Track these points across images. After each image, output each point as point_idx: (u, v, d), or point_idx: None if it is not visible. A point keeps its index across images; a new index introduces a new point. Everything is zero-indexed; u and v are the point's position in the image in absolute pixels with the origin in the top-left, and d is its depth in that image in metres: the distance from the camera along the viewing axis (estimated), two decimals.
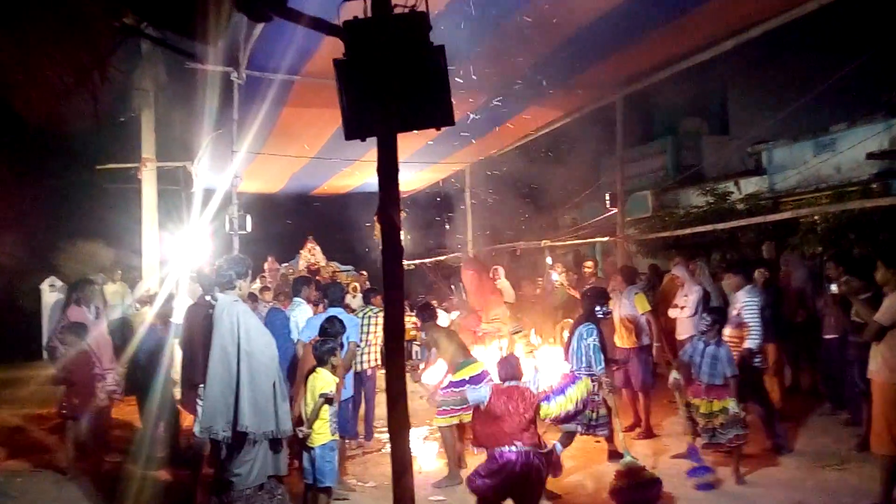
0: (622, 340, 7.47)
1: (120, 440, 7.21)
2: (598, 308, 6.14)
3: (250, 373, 4.07)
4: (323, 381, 4.84)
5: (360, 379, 7.04)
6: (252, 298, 7.78)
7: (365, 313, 7.44)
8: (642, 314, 7.45)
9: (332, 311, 6.18)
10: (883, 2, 9.90)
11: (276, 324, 6.34)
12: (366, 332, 7.16)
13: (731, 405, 5.77)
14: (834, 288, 5.63)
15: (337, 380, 5.00)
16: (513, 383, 4.75)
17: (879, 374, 5.00)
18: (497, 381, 5.04)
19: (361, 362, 7.11)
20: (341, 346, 5.34)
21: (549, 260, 12.98)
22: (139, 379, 6.44)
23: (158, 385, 6.11)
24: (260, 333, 4.21)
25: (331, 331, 5.36)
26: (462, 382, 6.07)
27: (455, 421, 6.15)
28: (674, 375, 6.30)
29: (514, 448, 4.45)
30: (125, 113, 12.05)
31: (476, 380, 6.04)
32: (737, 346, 6.33)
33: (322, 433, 4.81)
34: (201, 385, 4.34)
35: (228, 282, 4.29)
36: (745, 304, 6.55)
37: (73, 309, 6.80)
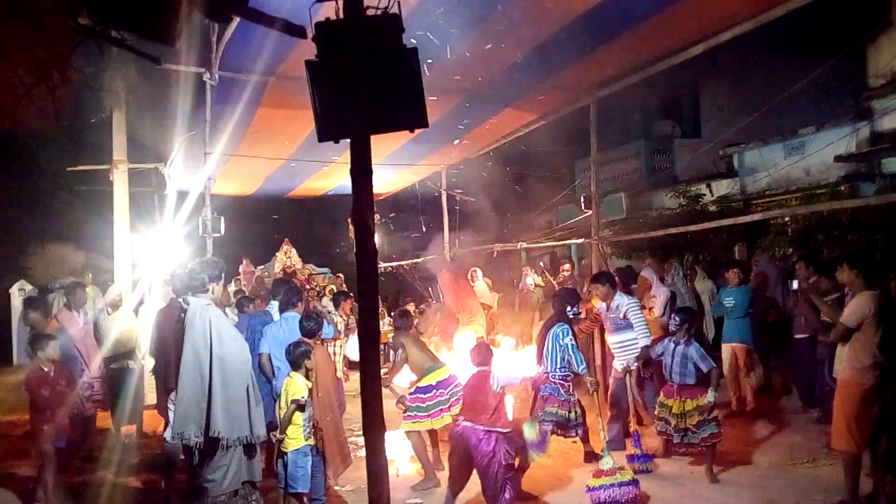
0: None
1: (95, 448, 7.11)
2: (569, 308, 6.16)
3: (223, 377, 4.02)
4: (295, 386, 4.80)
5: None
6: (245, 302, 7.67)
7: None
8: None
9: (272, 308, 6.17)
10: (849, 7, 10.10)
11: (258, 326, 6.25)
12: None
13: (708, 397, 5.85)
14: (796, 284, 5.75)
15: (310, 385, 4.96)
16: (482, 368, 5.23)
17: (843, 372, 5.09)
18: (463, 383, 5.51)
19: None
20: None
21: (524, 264, 13.03)
22: (111, 384, 6.35)
23: (130, 391, 6.03)
24: (232, 338, 4.16)
25: (312, 328, 5.34)
26: (429, 388, 6.10)
27: (422, 427, 6.12)
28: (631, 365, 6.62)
29: (465, 423, 5.02)
30: (96, 114, 11.86)
31: (443, 384, 6.08)
32: None
33: (295, 438, 4.78)
34: (174, 390, 4.28)
35: (201, 285, 4.24)
36: (628, 307, 6.69)
37: (64, 312, 6.67)
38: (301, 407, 4.77)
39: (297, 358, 4.94)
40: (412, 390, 6.25)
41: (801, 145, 11.83)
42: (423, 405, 6.06)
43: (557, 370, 5.95)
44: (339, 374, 6.99)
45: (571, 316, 6.17)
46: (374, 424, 3.20)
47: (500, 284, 12.21)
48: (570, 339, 5.94)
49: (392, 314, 13.16)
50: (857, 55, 10.79)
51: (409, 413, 6.13)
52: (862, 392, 4.96)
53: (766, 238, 10.39)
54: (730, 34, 6.54)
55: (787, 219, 10.16)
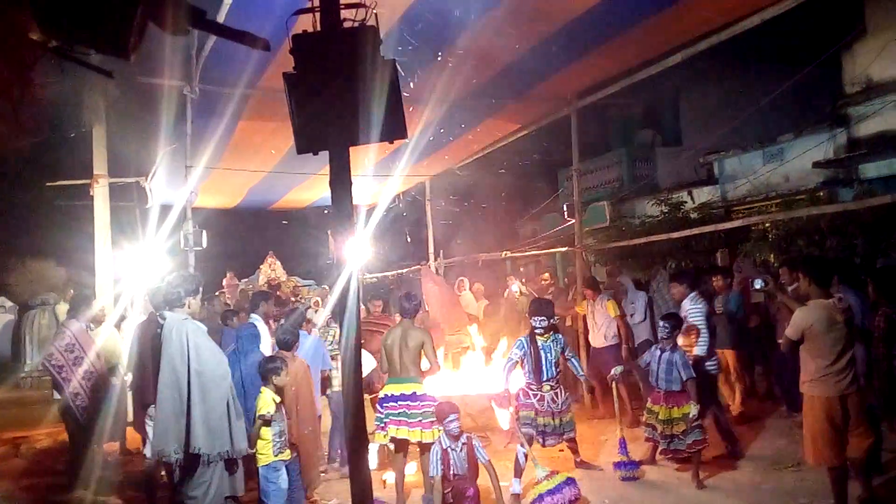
0: (595, 340, 8.24)
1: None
2: (534, 319, 6.06)
3: (202, 392, 3.98)
4: (263, 401, 4.75)
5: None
6: (229, 315, 7.57)
7: (329, 330, 7.23)
8: (613, 318, 8.08)
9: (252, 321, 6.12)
10: (824, 15, 10.26)
11: (245, 338, 6.20)
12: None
13: (692, 410, 5.87)
14: (758, 284, 5.62)
15: (278, 399, 4.89)
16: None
17: (801, 385, 4.93)
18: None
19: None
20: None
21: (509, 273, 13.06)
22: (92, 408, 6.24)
23: (111, 406, 5.95)
24: (211, 352, 4.12)
25: (288, 340, 5.31)
26: (386, 398, 5.76)
27: (381, 441, 5.82)
28: (615, 371, 6.66)
29: None
30: (76, 129, 11.77)
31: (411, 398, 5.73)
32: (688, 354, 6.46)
33: (264, 454, 4.74)
34: (152, 405, 4.24)
35: (177, 299, 4.21)
36: (689, 311, 6.65)
37: (75, 324, 6.55)
38: (267, 422, 4.73)
39: (265, 373, 4.88)
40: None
41: (780, 152, 11.98)
42: (380, 416, 5.80)
43: (552, 377, 6.01)
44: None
45: (536, 326, 6.03)
46: (357, 437, 3.19)
47: (487, 292, 12.20)
48: (569, 349, 6.09)
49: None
50: (833, 63, 10.96)
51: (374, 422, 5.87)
52: (817, 404, 4.76)
53: (748, 244, 10.49)
54: (707, 43, 6.64)
55: (767, 225, 10.27)
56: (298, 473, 5.13)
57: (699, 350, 6.47)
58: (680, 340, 6.36)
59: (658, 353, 6.13)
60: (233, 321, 7.36)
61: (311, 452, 5.34)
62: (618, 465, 6.16)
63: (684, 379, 5.94)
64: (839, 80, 11.07)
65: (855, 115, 10.55)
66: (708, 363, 6.52)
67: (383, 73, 2.99)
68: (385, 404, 5.71)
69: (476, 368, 8.26)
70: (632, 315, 8.57)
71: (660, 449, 6.22)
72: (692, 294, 6.74)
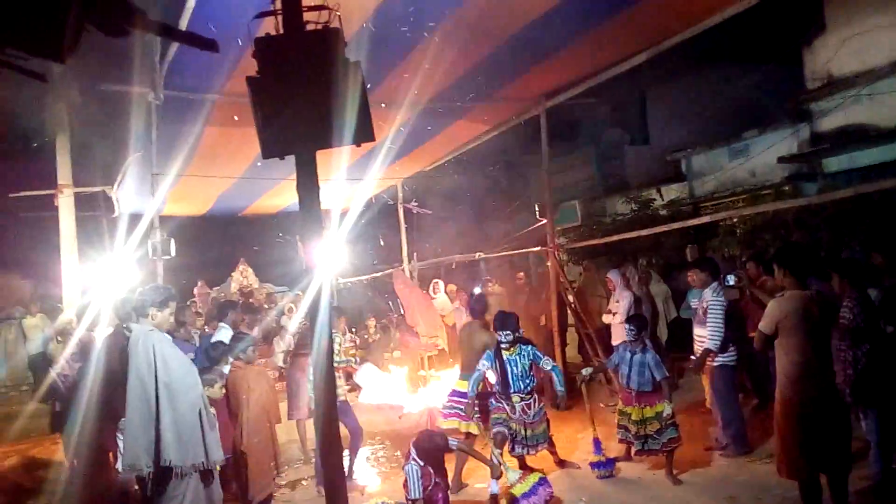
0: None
1: (43, 481, 6.85)
2: (499, 334, 6.08)
3: (171, 404, 3.91)
4: None
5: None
6: (179, 324, 7.45)
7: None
8: None
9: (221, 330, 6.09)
10: (784, 13, 10.45)
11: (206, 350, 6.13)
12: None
13: (665, 408, 5.92)
14: (731, 280, 5.58)
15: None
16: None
17: (777, 387, 4.50)
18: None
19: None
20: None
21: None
22: (63, 415, 6.11)
23: (82, 420, 5.82)
24: (178, 362, 4.05)
25: (214, 355, 5.25)
26: (454, 394, 6.46)
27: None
28: (584, 372, 6.61)
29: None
30: (39, 138, 11.53)
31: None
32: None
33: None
34: (123, 419, 4.16)
35: (142, 310, 4.15)
36: (710, 302, 6.38)
37: (87, 335, 6.46)
38: None
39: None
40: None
41: (746, 148, 12.17)
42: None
43: (523, 389, 6.01)
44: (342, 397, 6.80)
45: (502, 341, 6.04)
46: (330, 447, 3.15)
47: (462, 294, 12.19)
48: (483, 364, 6.04)
49: (353, 330, 13.07)
50: (794, 59, 11.17)
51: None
52: (789, 408, 4.35)
53: (716, 239, 10.64)
54: (670, 42, 6.73)
55: (734, 220, 10.42)
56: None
57: (710, 344, 6.27)
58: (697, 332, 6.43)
59: (628, 355, 6.13)
60: (180, 331, 7.24)
61: (260, 462, 5.29)
62: (594, 464, 6.20)
63: (658, 379, 5.98)
64: (801, 77, 11.27)
65: (817, 110, 10.75)
66: (724, 356, 6.36)
67: (348, 75, 2.96)
68: (452, 398, 6.38)
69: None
70: (615, 314, 8.60)
71: (634, 450, 6.27)
72: (714, 284, 6.44)
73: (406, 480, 5.22)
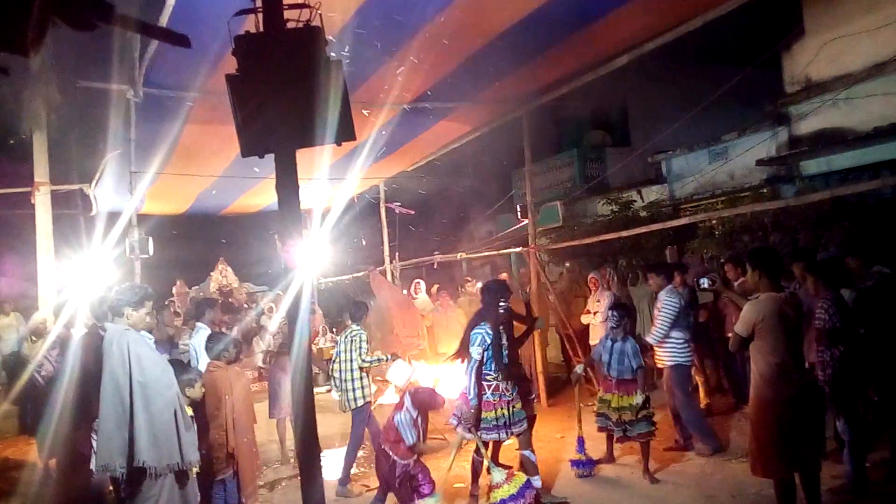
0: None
1: (16, 482, 6.75)
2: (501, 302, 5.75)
3: (145, 404, 3.85)
4: None
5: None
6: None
7: (342, 335, 6.97)
8: None
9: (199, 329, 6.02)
10: (765, 17, 10.57)
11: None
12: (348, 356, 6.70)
13: (637, 398, 5.97)
14: (704, 283, 5.59)
15: (190, 412, 4.82)
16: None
17: (751, 387, 4.54)
18: None
19: (355, 398, 6.58)
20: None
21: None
22: (35, 415, 6.04)
23: (57, 421, 5.74)
24: (153, 362, 3.99)
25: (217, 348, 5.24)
26: None
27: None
28: (577, 370, 6.62)
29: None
30: (15, 135, 11.38)
31: None
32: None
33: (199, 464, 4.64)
34: (97, 420, 4.11)
35: (117, 309, 4.10)
36: (663, 302, 6.63)
37: (64, 332, 6.34)
38: None
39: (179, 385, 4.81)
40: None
41: (725, 150, 12.28)
42: None
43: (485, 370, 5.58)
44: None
45: (503, 308, 5.71)
46: (308, 446, 3.14)
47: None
48: (490, 339, 5.49)
49: (334, 330, 13.02)
50: (773, 63, 11.28)
51: None
52: (765, 408, 4.39)
53: (695, 241, 10.72)
54: (652, 45, 6.78)
55: (713, 221, 10.51)
56: (235, 485, 5.07)
57: (650, 338, 6.65)
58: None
59: (609, 343, 6.23)
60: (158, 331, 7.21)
61: (248, 462, 5.25)
62: (575, 462, 6.23)
63: (634, 367, 6.05)
64: (780, 80, 11.39)
65: (795, 113, 10.87)
66: (680, 355, 6.61)
67: (330, 74, 2.95)
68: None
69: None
70: (595, 314, 8.68)
71: (616, 437, 6.27)
72: (669, 287, 6.78)
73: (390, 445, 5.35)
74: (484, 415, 5.56)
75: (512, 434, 5.69)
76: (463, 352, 5.58)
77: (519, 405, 5.75)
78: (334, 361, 6.80)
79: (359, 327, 6.79)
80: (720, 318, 8.32)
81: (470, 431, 5.45)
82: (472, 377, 5.41)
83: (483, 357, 5.45)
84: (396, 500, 5.54)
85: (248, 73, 2.87)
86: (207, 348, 5.34)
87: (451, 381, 6.71)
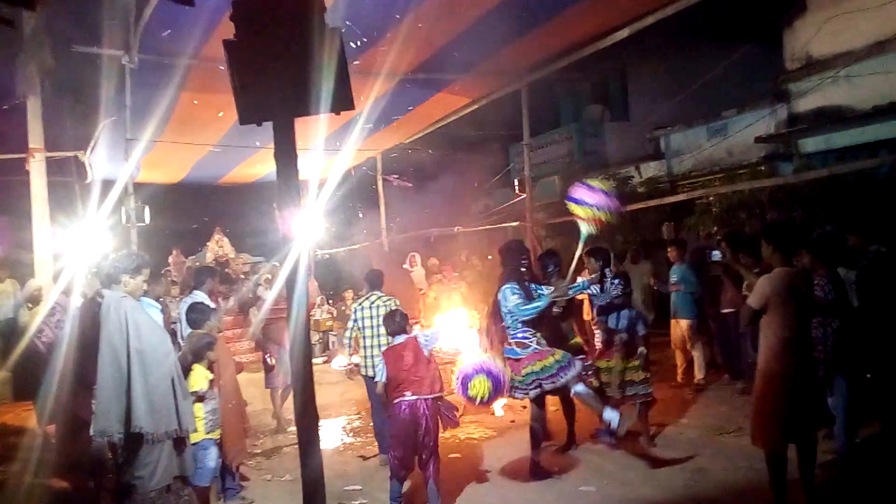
0: None
1: (14, 447, 6.79)
2: (523, 260, 5.70)
3: (143, 371, 3.88)
4: (195, 378, 4.72)
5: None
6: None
7: (367, 302, 6.56)
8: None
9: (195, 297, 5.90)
10: None
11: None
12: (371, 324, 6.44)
13: (617, 364, 6.06)
14: (717, 255, 5.64)
15: (211, 376, 4.86)
16: (400, 338, 5.06)
17: (759, 359, 4.61)
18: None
19: (372, 365, 6.26)
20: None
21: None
22: (34, 381, 6.04)
23: (56, 387, 5.77)
24: (151, 329, 4.01)
25: (199, 319, 5.18)
26: None
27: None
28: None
29: (405, 397, 4.86)
30: (9, 100, 11.24)
31: None
32: None
33: (195, 431, 4.69)
34: (95, 386, 4.13)
35: (114, 277, 4.10)
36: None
37: (63, 298, 6.29)
38: (200, 399, 4.70)
39: (199, 349, 4.81)
40: None
41: (724, 127, 12.23)
42: None
43: (518, 331, 5.47)
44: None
45: (523, 269, 5.61)
46: (307, 414, 3.15)
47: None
48: (515, 299, 5.40)
49: (330, 302, 13.04)
50: (774, 39, 11.19)
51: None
52: (771, 381, 4.46)
53: (692, 217, 10.72)
54: (653, 18, 6.72)
55: (711, 198, 10.51)
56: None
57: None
58: None
59: (615, 313, 6.25)
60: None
61: (234, 427, 5.32)
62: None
63: (640, 331, 6.17)
64: (780, 57, 11.31)
65: (795, 90, 10.81)
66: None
67: (328, 41, 2.91)
68: None
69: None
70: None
71: (615, 399, 6.01)
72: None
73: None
74: (527, 368, 5.36)
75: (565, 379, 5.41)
76: (495, 313, 5.52)
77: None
78: (352, 329, 6.56)
79: (385, 295, 6.54)
80: (715, 295, 8.36)
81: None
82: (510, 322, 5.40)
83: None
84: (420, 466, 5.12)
85: (246, 39, 2.83)
86: (189, 319, 5.31)
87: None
